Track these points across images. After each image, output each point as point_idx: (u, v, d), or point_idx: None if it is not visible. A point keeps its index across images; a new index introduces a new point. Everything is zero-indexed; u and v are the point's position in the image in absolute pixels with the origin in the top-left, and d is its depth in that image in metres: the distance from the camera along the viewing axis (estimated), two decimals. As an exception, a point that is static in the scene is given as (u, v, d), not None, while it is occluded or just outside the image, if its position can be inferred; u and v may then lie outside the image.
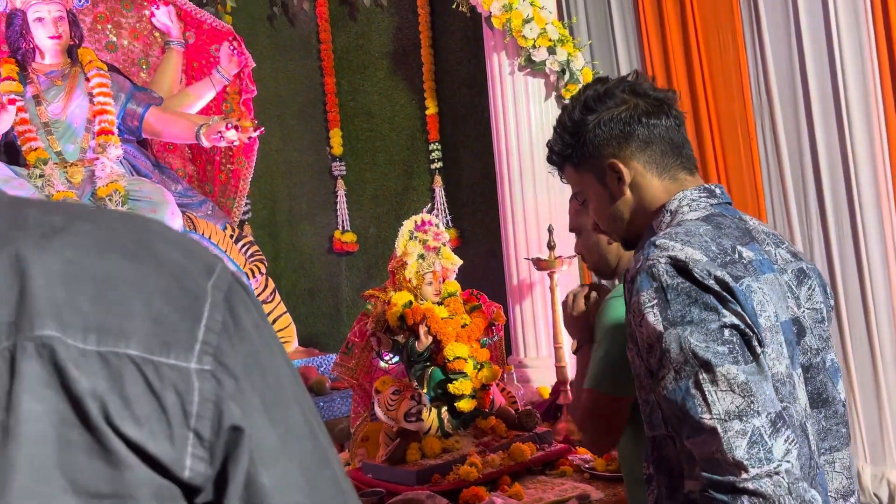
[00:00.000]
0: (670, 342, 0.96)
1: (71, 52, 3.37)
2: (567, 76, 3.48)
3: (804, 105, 3.28)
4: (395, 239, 2.44)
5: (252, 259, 3.64)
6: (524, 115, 3.52)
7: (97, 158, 3.20)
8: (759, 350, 0.97)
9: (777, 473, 0.91)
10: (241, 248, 3.63)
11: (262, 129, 3.42)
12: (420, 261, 2.41)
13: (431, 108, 4.47)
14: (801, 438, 1.00)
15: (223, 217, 3.74)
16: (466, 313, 2.45)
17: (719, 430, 0.92)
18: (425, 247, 2.42)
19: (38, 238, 0.45)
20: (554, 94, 3.54)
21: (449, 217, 4.42)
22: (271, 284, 3.74)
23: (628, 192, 1.14)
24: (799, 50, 3.28)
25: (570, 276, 3.31)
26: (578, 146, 1.15)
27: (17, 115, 3.11)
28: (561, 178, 1.26)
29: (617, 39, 3.78)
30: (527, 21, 3.41)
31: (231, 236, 3.63)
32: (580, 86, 3.56)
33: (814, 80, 3.24)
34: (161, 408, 0.44)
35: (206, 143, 3.36)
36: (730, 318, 0.96)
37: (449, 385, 2.32)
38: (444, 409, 2.34)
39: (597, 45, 3.84)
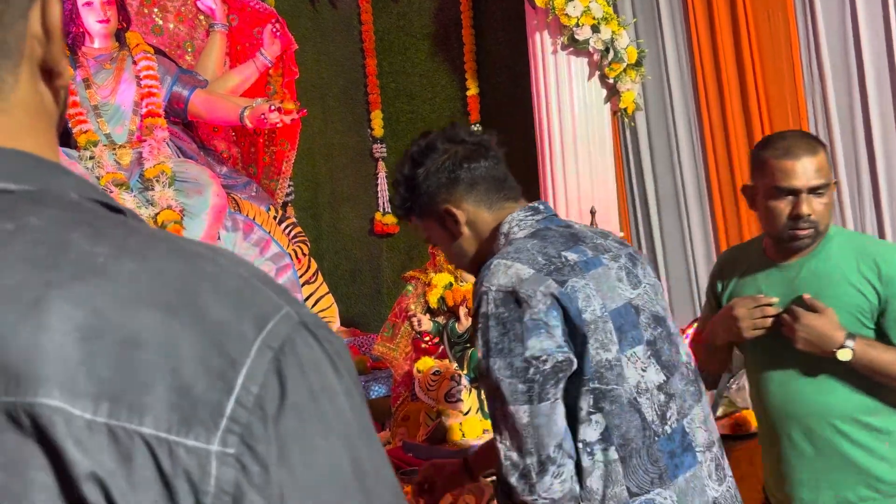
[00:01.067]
0: (487, 367, 1.11)
1: (119, 36, 3.43)
2: (611, 55, 3.42)
3: (858, 83, 3.17)
4: (435, 220, 2.44)
5: (295, 240, 3.69)
6: (567, 96, 3.47)
7: (144, 140, 3.26)
8: (562, 377, 1.10)
9: (536, 502, 1.09)
10: (284, 230, 3.68)
11: (305, 110, 3.44)
12: (461, 242, 2.41)
13: (472, 89, 4.44)
14: (630, 414, 1.13)
15: (267, 199, 3.78)
16: (507, 295, 2.44)
17: (501, 455, 1.11)
18: (466, 228, 2.41)
19: (69, 279, 0.39)
20: (598, 73, 3.48)
21: (490, 199, 4.39)
22: (314, 265, 3.78)
23: (466, 230, 1.28)
24: (853, 24, 3.16)
25: (612, 259, 3.27)
26: (415, 198, 1.30)
27: (68, 98, 3.18)
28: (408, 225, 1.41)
29: (662, 16, 3.70)
30: (570, -1, 3.35)
31: (275, 217, 3.68)
32: (624, 65, 3.50)
33: (868, 55, 3.12)
34: (170, 498, 0.38)
35: (249, 125, 3.40)
36: (531, 352, 1.08)
37: (489, 366, 2.32)
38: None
39: (642, 22, 3.76)
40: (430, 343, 2.47)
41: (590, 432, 1.11)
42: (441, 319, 2.42)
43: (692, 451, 1.17)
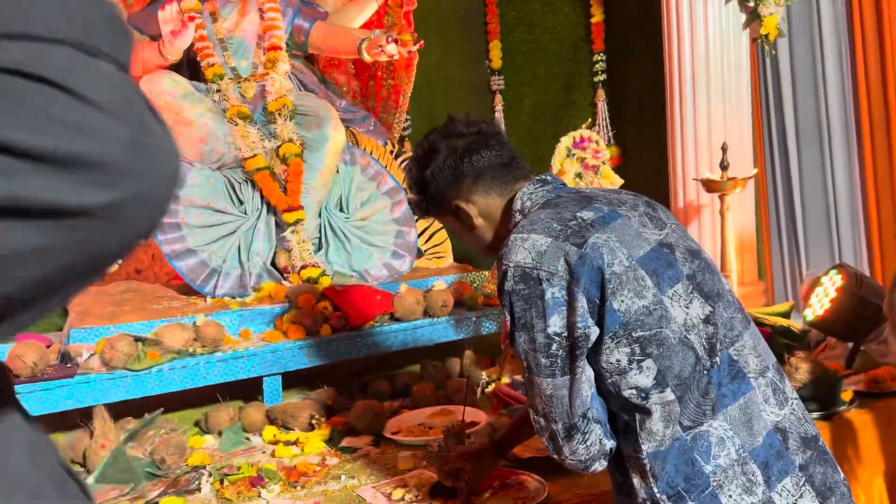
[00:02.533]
0: (516, 341, 1.18)
1: (243, -31, 3.48)
2: (753, -25, 3.12)
3: None
4: (551, 157, 2.35)
5: (410, 174, 3.69)
6: (701, 20, 3.21)
7: (267, 73, 3.32)
8: (582, 351, 1.14)
9: (565, 461, 1.17)
10: (400, 165, 3.69)
11: (422, 42, 3.38)
12: (577, 180, 2.31)
13: (597, 16, 4.22)
14: (683, 352, 1.14)
15: (384, 133, 3.79)
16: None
17: (532, 417, 1.20)
18: (583, 165, 2.31)
19: None
20: (737, -5, 3.20)
21: (611, 133, 4.23)
22: (428, 200, 3.78)
23: (480, 221, 1.36)
24: None
25: (743, 200, 3.06)
26: (428, 197, 1.39)
27: (196, 31, 3.27)
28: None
29: (816, -70, 3.33)
30: (709, -87, 3.06)
31: (391, 152, 3.69)
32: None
33: None
34: None
35: (367, 58, 3.38)
36: (553, 328, 1.14)
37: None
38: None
39: (791, -63, 3.39)
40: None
41: (642, 379, 1.13)
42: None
43: (744, 377, 1.17)
